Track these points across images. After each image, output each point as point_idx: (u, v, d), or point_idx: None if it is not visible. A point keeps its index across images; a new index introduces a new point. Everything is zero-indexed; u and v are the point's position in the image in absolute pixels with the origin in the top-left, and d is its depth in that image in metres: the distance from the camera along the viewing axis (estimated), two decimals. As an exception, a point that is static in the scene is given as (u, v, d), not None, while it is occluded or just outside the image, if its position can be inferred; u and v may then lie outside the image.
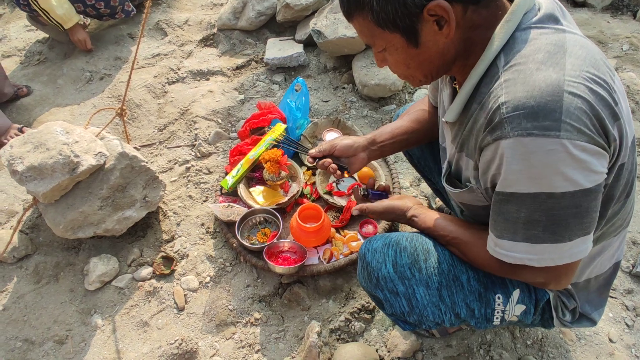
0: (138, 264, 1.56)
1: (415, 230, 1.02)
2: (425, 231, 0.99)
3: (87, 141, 1.46)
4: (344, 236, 1.50)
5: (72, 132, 1.47)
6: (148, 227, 1.67)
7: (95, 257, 1.53)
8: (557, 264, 0.73)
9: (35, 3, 2.12)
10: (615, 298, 1.46)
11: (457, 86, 0.85)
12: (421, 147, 1.31)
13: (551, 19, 0.70)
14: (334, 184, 1.59)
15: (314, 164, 1.18)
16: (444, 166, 0.93)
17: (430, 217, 0.98)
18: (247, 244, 1.44)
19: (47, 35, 2.56)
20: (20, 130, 2.02)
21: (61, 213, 1.44)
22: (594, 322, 1.00)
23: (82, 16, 2.38)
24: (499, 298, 0.90)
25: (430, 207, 1.69)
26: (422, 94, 2.08)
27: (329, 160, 1.15)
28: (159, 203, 1.64)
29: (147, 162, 1.56)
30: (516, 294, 0.91)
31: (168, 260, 1.56)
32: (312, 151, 1.17)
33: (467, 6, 0.69)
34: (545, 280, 0.79)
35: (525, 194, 0.68)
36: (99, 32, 2.61)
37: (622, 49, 2.39)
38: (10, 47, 2.60)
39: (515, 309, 0.91)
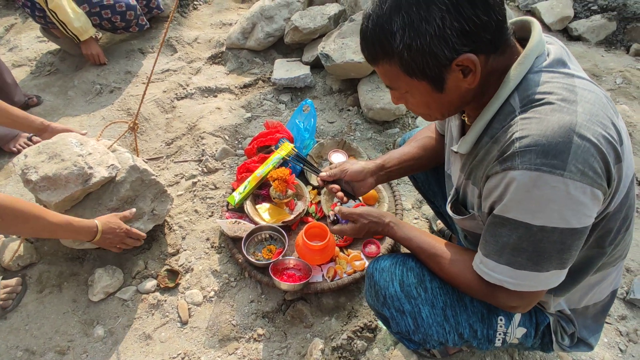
0: (143, 276, 1.57)
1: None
2: (403, 241, 1.03)
3: (100, 153, 1.49)
4: (348, 255, 1.53)
5: (86, 144, 1.50)
6: (153, 240, 1.69)
7: (100, 268, 1.54)
8: (531, 290, 0.79)
9: (54, 15, 2.18)
10: (609, 324, 1.50)
11: (465, 118, 0.91)
12: (426, 172, 1.36)
13: (560, 63, 0.76)
14: (339, 204, 1.63)
15: (323, 186, 1.22)
16: (451, 192, 0.98)
17: (409, 228, 1.03)
18: (253, 260, 1.47)
19: (59, 47, 2.61)
20: (30, 139, 2.05)
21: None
22: (591, 347, 1.03)
23: (96, 30, 2.45)
24: (501, 320, 0.94)
25: (431, 229, 1.73)
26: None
27: (337, 187, 1.19)
28: (167, 215, 1.66)
29: (156, 176, 1.59)
30: (518, 316, 0.95)
31: (173, 273, 1.57)
32: (323, 174, 1.21)
33: (489, 55, 0.75)
34: (517, 305, 0.84)
35: (520, 221, 0.73)
36: (110, 46, 2.67)
37: (615, 82, 2.50)
38: (22, 57, 2.65)
39: (516, 332, 0.95)
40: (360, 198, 1.66)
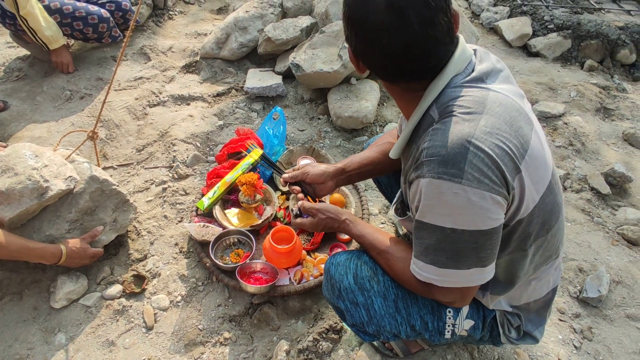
0: (108, 282, 1.56)
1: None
2: (356, 237, 1.08)
3: (57, 165, 1.44)
4: (315, 258, 1.56)
5: (42, 155, 1.45)
6: (120, 246, 1.68)
7: (64, 274, 1.52)
8: (457, 286, 0.86)
9: (25, 22, 2.17)
10: (564, 321, 1.58)
11: None
12: (388, 175, 1.42)
13: (479, 80, 0.83)
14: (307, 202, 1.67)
15: (286, 187, 1.27)
16: (397, 195, 1.04)
17: (364, 225, 1.09)
18: (221, 264, 1.48)
19: (28, 53, 2.58)
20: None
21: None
22: (536, 340, 1.10)
23: (67, 39, 2.44)
24: (449, 312, 0.99)
25: (397, 233, 1.79)
26: (392, 126, 2.24)
27: (297, 188, 1.24)
28: (130, 225, 1.65)
29: (117, 186, 1.56)
30: (465, 309, 1.00)
31: (139, 278, 1.57)
32: (286, 175, 1.26)
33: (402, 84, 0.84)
34: (452, 300, 0.91)
35: (435, 225, 0.80)
36: (82, 52, 2.66)
37: (570, 95, 2.66)
38: (-11, 63, 2.60)
39: (464, 324, 1.00)
40: (327, 201, 1.71)
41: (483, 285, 0.96)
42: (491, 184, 0.75)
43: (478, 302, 1.05)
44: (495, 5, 3.32)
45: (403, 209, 1.03)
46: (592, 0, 3.28)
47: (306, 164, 1.28)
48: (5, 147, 2.05)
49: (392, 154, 0.94)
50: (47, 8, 2.29)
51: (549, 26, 3.01)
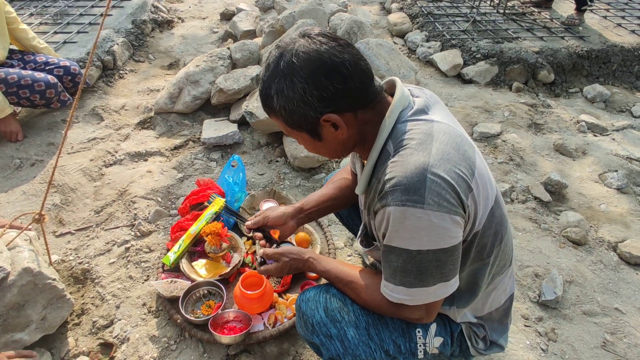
0: (73, 355, 1.48)
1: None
2: (322, 274, 1.13)
3: None
4: (287, 299, 1.58)
5: None
6: (83, 314, 1.62)
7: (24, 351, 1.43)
8: (425, 302, 0.93)
9: (-34, 95, 2.13)
10: (529, 327, 1.67)
11: (365, 161, 1.06)
12: (349, 209, 1.49)
13: (422, 112, 0.94)
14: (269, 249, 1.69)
15: (250, 234, 1.30)
16: (360, 228, 1.11)
17: (328, 261, 1.14)
18: (192, 318, 1.46)
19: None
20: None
21: None
22: (502, 348, 1.17)
23: (14, 107, 2.41)
24: (419, 332, 1.04)
25: (364, 264, 1.85)
26: (347, 161, 2.35)
27: (258, 234, 1.28)
28: (59, 324, 1.50)
29: (54, 280, 1.45)
30: (433, 327, 1.06)
31: (107, 346, 1.50)
32: (248, 223, 1.30)
33: (356, 112, 0.92)
34: (420, 317, 0.98)
35: (401, 248, 0.88)
36: (31, 118, 2.62)
37: (504, 115, 2.92)
38: None
39: (434, 341, 1.06)
40: (293, 241, 1.75)
41: (449, 300, 1.03)
42: (449, 205, 0.84)
43: (444, 319, 1.11)
44: (428, 40, 3.63)
45: (367, 240, 1.09)
46: (510, 30, 3.68)
47: (266, 209, 1.33)
48: None
49: (359, 190, 1.01)
50: (-9, 79, 2.27)
51: (476, 56, 3.33)
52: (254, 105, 2.32)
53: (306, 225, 1.80)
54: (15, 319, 1.37)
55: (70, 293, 1.65)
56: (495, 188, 0.99)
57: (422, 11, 4.00)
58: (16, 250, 1.43)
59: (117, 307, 1.64)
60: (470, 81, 3.30)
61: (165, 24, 4.03)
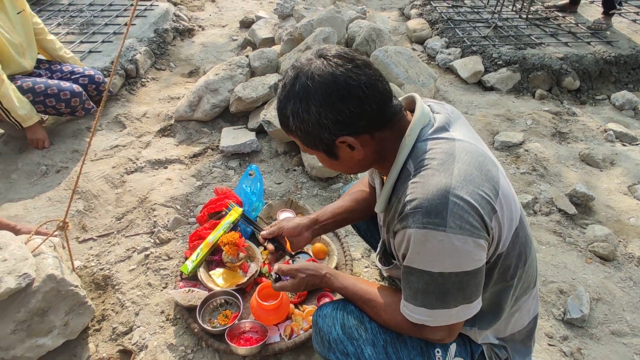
0: (93, 361, 1.51)
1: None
2: (340, 290, 1.11)
3: (17, 260, 1.37)
4: (303, 311, 1.57)
5: (6, 248, 1.39)
6: (104, 320, 1.64)
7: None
8: (447, 323, 0.91)
9: (-1, 103, 2.22)
10: (553, 345, 1.61)
11: (384, 177, 1.05)
12: (367, 221, 1.48)
13: (443, 129, 0.92)
14: (291, 261, 1.69)
15: (265, 244, 1.30)
16: (379, 245, 1.10)
17: (344, 277, 1.12)
18: (209, 328, 1.47)
19: (2, 131, 2.61)
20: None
21: None
22: (524, 370, 1.13)
23: (41, 115, 2.49)
24: (438, 352, 1.02)
25: (381, 276, 1.82)
26: (366, 173, 2.33)
27: (271, 246, 1.28)
28: (81, 330, 1.53)
29: (76, 287, 1.48)
30: (453, 347, 1.03)
31: (126, 353, 1.52)
32: (264, 232, 1.31)
33: (373, 133, 0.90)
34: (441, 337, 0.95)
35: (423, 270, 0.86)
36: (57, 126, 2.70)
37: (526, 123, 2.85)
38: (-39, 145, 2.60)
39: (454, 363, 1.03)
40: (310, 252, 1.74)
41: (470, 321, 1.00)
42: (472, 229, 0.81)
43: (465, 339, 1.08)
44: (448, 47, 3.59)
45: (386, 257, 1.08)
46: (533, 36, 3.60)
47: (282, 220, 1.33)
48: None
49: (378, 209, 1.00)
50: (20, 88, 2.36)
51: (498, 62, 3.27)
52: (271, 114, 2.33)
53: (323, 236, 1.79)
54: (39, 325, 1.41)
55: (92, 299, 1.68)
56: (520, 208, 0.97)
57: (442, 17, 3.96)
58: (41, 257, 1.47)
59: (137, 314, 1.67)
60: (491, 88, 3.23)
61: (186, 32, 4.11)
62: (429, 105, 0.98)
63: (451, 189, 0.82)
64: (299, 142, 0.94)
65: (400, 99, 0.98)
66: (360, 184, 1.41)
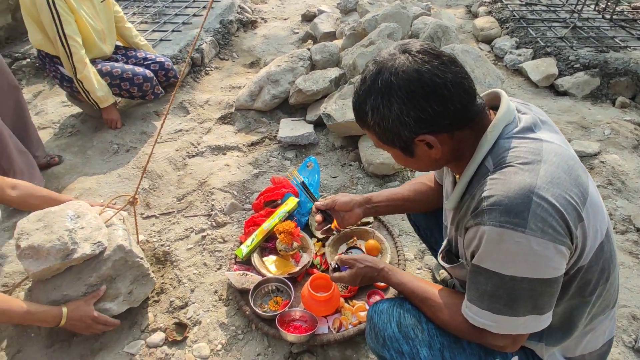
0: (152, 329, 1.60)
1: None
2: (396, 286, 1.09)
3: (92, 228, 1.48)
4: (353, 306, 1.56)
5: (83, 217, 1.50)
6: (162, 293, 1.73)
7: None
8: (511, 333, 0.85)
9: (80, 84, 2.41)
10: (621, 375, 1.48)
11: (457, 176, 1.01)
12: (428, 219, 1.44)
13: (529, 130, 0.86)
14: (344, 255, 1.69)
15: (315, 214, 1.36)
16: (444, 243, 1.06)
17: (402, 273, 1.10)
18: (260, 312, 1.50)
19: (81, 111, 2.83)
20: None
21: (45, 292, 1.44)
22: (592, 395, 1.04)
23: (115, 97, 2.67)
24: None
25: (433, 279, 1.76)
26: (423, 172, 2.26)
27: (319, 216, 1.35)
28: (142, 300, 1.62)
29: (141, 259, 1.57)
30: None
31: (181, 326, 1.60)
32: (317, 203, 1.36)
33: (452, 132, 0.86)
34: (504, 345, 0.90)
35: (493, 271, 0.81)
36: (128, 109, 2.89)
37: (604, 133, 2.62)
38: (46, 120, 2.86)
39: (514, 376, 0.97)
40: (363, 248, 1.72)
41: (537, 335, 0.94)
42: (555, 233, 0.76)
43: (528, 353, 1.01)
44: (518, 47, 3.39)
45: (450, 256, 1.04)
46: (617, 38, 3.30)
47: (337, 194, 1.37)
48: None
49: (449, 206, 0.96)
50: (100, 71, 2.54)
51: (575, 65, 3.03)
52: (332, 107, 2.33)
53: (377, 233, 1.77)
54: (107, 290, 1.52)
55: (153, 272, 1.78)
56: (608, 221, 0.89)
57: (514, 15, 3.74)
58: (112, 228, 1.59)
59: (192, 290, 1.74)
60: (564, 93, 3.01)
61: (249, 24, 4.22)
62: (514, 105, 0.93)
63: (535, 189, 0.76)
64: (374, 138, 0.92)
65: (482, 94, 0.93)
66: (424, 177, 1.38)
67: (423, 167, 0.96)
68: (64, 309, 1.40)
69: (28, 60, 3.39)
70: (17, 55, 3.44)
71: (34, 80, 3.33)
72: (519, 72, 3.25)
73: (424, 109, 0.81)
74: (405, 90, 0.81)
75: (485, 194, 0.81)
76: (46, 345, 1.56)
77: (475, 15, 4.12)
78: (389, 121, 0.84)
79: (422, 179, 1.36)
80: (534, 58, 3.22)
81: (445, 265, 1.02)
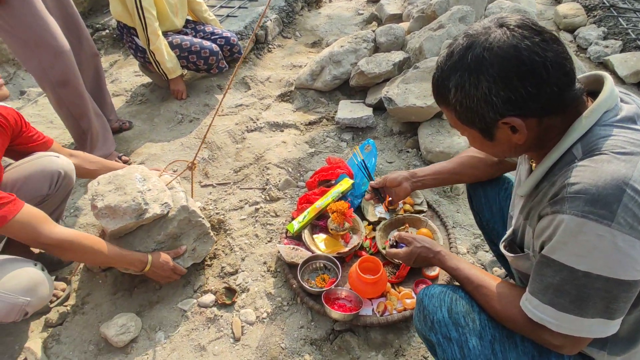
0: (204, 290, 1.69)
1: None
2: (451, 271, 1.07)
3: (158, 190, 1.58)
4: (399, 292, 1.54)
5: (148, 179, 1.60)
6: (215, 258, 1.82)
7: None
8: (574, 335, 0.79)
9: (153, 55, 2.54)
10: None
11: (532, 164, 0.94)
12: (492, 210, 1.37)
13: (631, 120, 0.78)
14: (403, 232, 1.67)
15: (369, 192, 1.54)
16: (508, 232, 1.00)
17: (459, 259, 1.08)
18: (307, 287, 1.53)
19: (151, 81, 2.99)
20: (120, 158, 2.34)
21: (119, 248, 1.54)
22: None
23: (182, 70, 2.79)
24: None
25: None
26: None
27: (369, 195, 1.54)
28: (206, 257, 1.71)
29: (202, 219, 1.67)
30: (572, 364, 0.91)
31: (230, 291, 1.67)
32: (372, 182, 1.51)
33: (542, 118, 0.79)
34: (562, 345, 0.84)
35: (564, 264, 0.75)
36: (193, 81, 3.01)
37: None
38: (120, 88, 3.06)
39: (569, 380, 0.91)
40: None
41: (601, 342, 0.87)
42: None
43: (587, 358, 0.94)
44: (605, 38, 3.08)
45: (512, 247, 0.98)
46: None
47: (388, 174, 1.49)
48: (127, 160, 2.36)
49: (522, 192, 0.91)
50: (170, 44, 2.65)
51: (671, 62, 2.71)
52: (394, 91, 2.27)
53: (430, 223, 1.72)
54: (173, 246, 1.64)
55: (208, 237, 1.87)
56: None
57: (604, 3, 3.39)
58: (174, 190, 1.69)
59: (243, 259, 1.81)
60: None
61: (313, 3, 4.19)
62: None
63: (630, 182, 0.69)
64: (452, 117, 0.87)
65: (580, 77, 0.85)
66: (471, 150, 1.34)
67: (499, 153, 0.90)
68: (150, 257, 1.53)
69: (107, 31, 3.63)
70: (97, 25, 3.69)
71: (111, 50, 3.56)
72: (603, 65, 2.96)
73: (516, 89, 0.74)
74: (498, 67, 0.74)
75: (570, 180, 0.74)
76: (111, 292, 1.71)
77: (558, 1, 3.79)
78: (473, 100, 0.78)
79: (471, 152, 1.33)
80: (622, 51, 2.91)
81: (509, 255, 0.96)
